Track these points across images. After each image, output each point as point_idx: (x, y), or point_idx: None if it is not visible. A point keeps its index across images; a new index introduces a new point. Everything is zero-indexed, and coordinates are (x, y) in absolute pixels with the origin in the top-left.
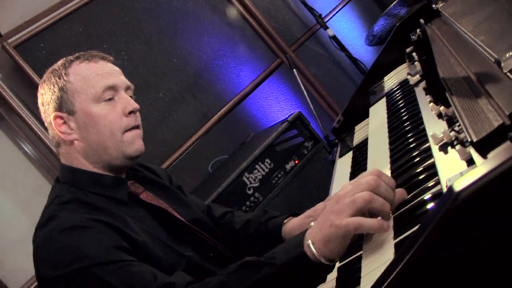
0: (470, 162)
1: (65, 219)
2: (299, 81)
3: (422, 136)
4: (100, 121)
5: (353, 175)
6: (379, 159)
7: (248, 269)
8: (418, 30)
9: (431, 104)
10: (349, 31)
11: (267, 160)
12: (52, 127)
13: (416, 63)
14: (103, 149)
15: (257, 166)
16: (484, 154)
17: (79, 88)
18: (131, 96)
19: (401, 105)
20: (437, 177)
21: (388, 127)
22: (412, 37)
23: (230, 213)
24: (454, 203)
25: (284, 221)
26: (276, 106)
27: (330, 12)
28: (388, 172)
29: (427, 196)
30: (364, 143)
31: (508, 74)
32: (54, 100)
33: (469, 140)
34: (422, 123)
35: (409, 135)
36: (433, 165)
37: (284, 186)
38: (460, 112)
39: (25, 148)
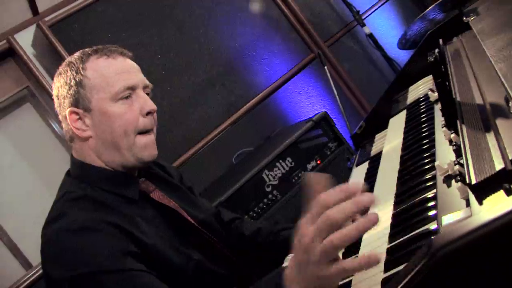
0: (469, 202)
1: (74, 218)
2: (330, 79)
3: (432, 161)
4: (116, 120)
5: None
6: (387, 178)
7: None
8: (436, 51)
9: (444, 128)
10: (387, 30)
11: (288, 158)
12: (66, 121)
13: None
14: (116, 149)
15: (277, 164)
16: (480, 199)
17: (97, 86)
18: (148, 94)
19: (419, 122)
20: (435, 212)
21: (403, 144)
22: (428, 57)
23: (239, 219)
24: (431, 259)
25: None
26: (306, 102)
27: (369, 9)
28: (392, 196)
29: (422, 230)
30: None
31: None
32: (71, 95)
33: (467, 182)
34: (434, 146)
35: (419, 157)
36: (434, 197)
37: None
38: (466, 146)
39: (54, 126)
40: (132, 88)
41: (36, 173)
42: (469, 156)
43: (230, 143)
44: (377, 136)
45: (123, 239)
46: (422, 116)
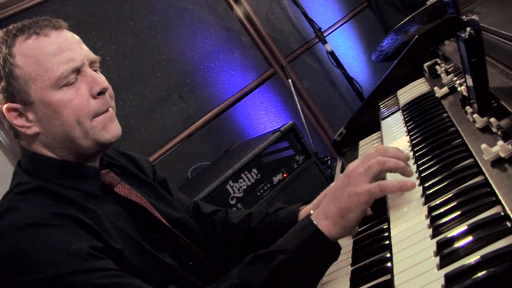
0: None
1: (27, 213)
2: (293, 92)
3: (460, 152)
4: (63, 110)
5: None
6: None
7: (259, 262)
8: (468, 29)
9: (475, 115)
10: (346, 50)
11: (254, 170)
12: (6, 120)
13: (442, 75)
14: (70, 141)
15: (243, 175)
16: None
17: (32, 74)
18: (96, 71)
19: (425, 119)
20: (493, 198)
21: (411, 141)
22: (461, 35)
23: (222, 210)
24: None
25: (300, 208)
26: (264, 117)
27: (330, 27)
28: (419, 189)
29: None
30: None
31: None
32: (3, 89)
33: None
34: (459, 137)
35: (441, 150)
36: (485, 183)
37: (269, 200)
38: None
39: None
40: (76, 66)
41: None
42: None
43: (185, 157)
44: (362, 142)
45: (86, 236)
46: (428, 113)
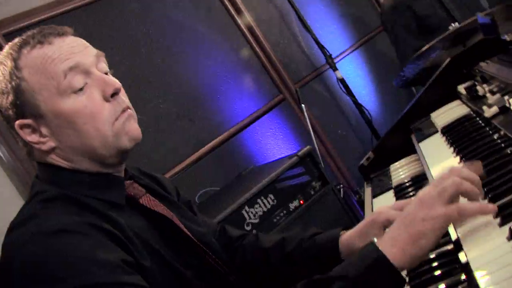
0: None
1: (52, 219)
2: (306, 116)
3: None
4: (77, 119)
5: None
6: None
7: (315, 287)
8: None
9: None
10: (355, 78)
11: (270, 195)
12: (20, 137)
13: (488, 95)
14: (89, 151)
15: (259, 201)
16: None
17: (37, 84)
18: (106, 73)
19: (476, 138)
20: None
21: (464, 161)
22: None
23: (252, 234)
24: None
25: (340, 233)
26: (273, 143)
27: (340, 54)
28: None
29: None
30: (415, 182)
31: None
32: (12, 104)
33: None
34: None
35: (507, 169)
36: None
37: (285, 227)
38: None
39: None
40: (82, 70)
41: None
42: None
43: (193, 181)
44: (393, 166)
45: (115, 247)
46: (476, 133)
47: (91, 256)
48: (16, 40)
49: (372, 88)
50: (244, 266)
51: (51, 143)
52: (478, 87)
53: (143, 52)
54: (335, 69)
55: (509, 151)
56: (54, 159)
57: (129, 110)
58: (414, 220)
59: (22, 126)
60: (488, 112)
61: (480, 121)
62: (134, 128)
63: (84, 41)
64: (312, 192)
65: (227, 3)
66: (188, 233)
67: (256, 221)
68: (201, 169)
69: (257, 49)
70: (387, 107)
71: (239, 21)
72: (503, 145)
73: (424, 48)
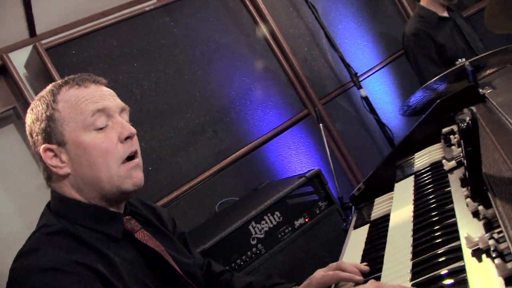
0: (509, 280)
1: (47, 257)
2: (323, 136)
3: (451, 232)
4: (92, 152)
5: (366, 253)
6: (399, 244)
7: None
8: (468, 119)
9: (468, 199)
10: (381, 95)
11: (277, 212)
12: (42, 160)
13: (453, 147)
14: (96, 183)
15: (265, 217)
16: None
17: (67, 116)
18: (127, 121)
19: (431, 190)
20: (466, 286)
21: (414, 211)
22: (460, 124)
23: (229, 272)
24: None
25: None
26: (295, 157)
27: (365, 72)
28: (409, 264)
29: None
30: (383, 220)
31: None
32: (42, 130)
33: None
34: (454, 216)
35: (436, 227)
36: (461, 270)
37: (290, 243)
38: (504, 221)
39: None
40: (106, 114)
41: (9, 197)
42: (510, 232)
43: (214, 190)
44: (377, 200)
45: (96, 284)
46: (435, 183)
47: None
48: (59, 81)
49: (397, 106)
50: None
51: (67, 169)
52: (451, 136)
53: (173, 65)
54: (359, 87)
55: (445, 210)
56: (66, 186)
57: (136, 159)
58: None
59: (46, 150)
60: (447, 165)
61: (441, 173)
62: (138, 176)
63: (113, 92)
64: (318, 211)
65: (256, 17)
66: (175, 266)
67: (262, 236)
68: (223, 179)
69: (285, 64)
70: (411, 126)
71: (267, 36)
72: (443, 201)
73: (432, 80)
